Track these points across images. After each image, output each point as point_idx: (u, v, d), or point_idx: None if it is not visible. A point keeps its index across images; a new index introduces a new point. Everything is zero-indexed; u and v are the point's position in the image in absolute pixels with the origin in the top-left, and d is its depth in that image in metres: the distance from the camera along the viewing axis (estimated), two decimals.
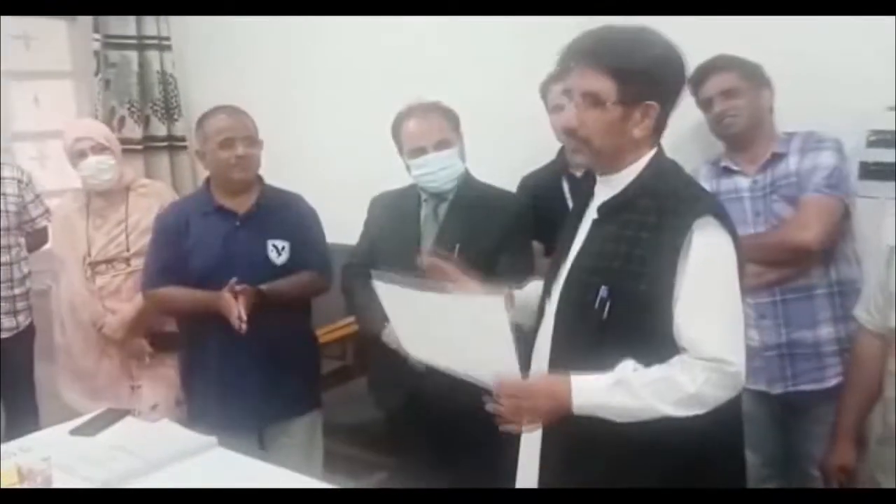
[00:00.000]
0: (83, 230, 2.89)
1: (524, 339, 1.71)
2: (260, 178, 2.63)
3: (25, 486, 1.81)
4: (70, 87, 3.93)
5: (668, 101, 1.59)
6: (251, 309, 2.42)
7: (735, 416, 1.63)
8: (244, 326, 2.40)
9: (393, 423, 2.59)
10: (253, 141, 2.56)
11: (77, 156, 2.84)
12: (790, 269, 2.27)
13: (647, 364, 1.52)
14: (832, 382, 2.27)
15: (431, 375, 2.28)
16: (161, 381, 2.91)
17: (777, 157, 2.33)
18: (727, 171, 2.40)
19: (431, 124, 2.40)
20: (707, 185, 2.38)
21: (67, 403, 2.93)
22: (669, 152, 1.69)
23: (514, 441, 1.84)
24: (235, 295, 2.43)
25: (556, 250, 1.75)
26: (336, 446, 2.86)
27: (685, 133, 2.50)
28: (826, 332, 2.28)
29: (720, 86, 2.34)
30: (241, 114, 2.57)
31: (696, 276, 1.49)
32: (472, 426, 2.31)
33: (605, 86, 1.55)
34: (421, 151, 2.37)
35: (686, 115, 1.63)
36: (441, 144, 2.37)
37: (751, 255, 2.23)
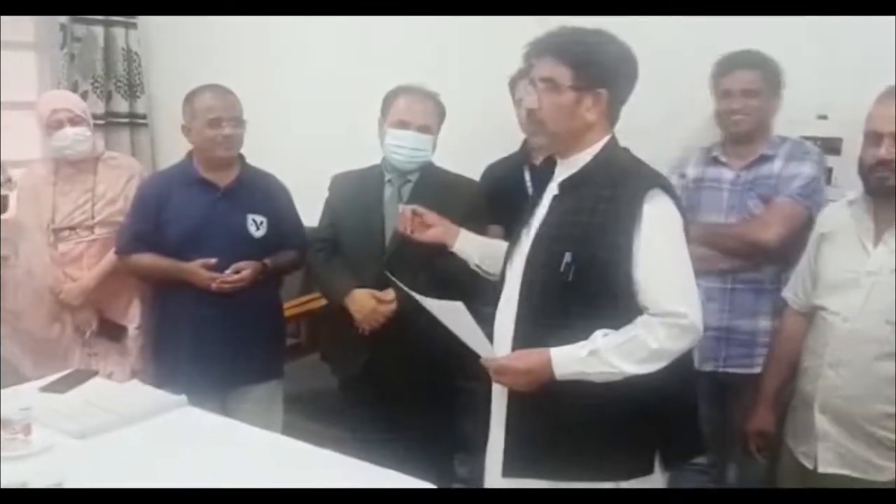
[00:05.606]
0: (49, 196, 2.90)
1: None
2: (241, 156, 2.72)
3: (6, 436, 1.86)
4: (33, 59, 3.92)
5: (617, 92, 1.77)
6: (253, 281, 2.58)
7: (686, 367, 1.78)
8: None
9: (347, 391, 2.68)
10: (239, 121, 2.64)
11: (54, 126, 2.85)
12: (744, 262, 2.39)
13: (616, 326, 1.68)
14: (758, 369, 2.33)
15: (383, 347, 2.43)
16: (115, 350, 2.97)
17: (764, 159, 2.42)
18: (715, 161, 2.49)
19: (423, 107, 2.51)
20: (694, 169, 2.52)
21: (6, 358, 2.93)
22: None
23: (465, 406, 1.99)
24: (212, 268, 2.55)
25: (515, 228, 1.91)
26: (289, 418, 2.92)
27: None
28: (763, 324, 2.40)
29: (743, 83, 2.37)
30: (229, 94, 2.65)
31: (649, 240, 1.67)
32: (423, 393, 2.47)
33: (561, 72, 1.74)
34: (404, 125, 2.46)
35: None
36: (424, 128, 2.49)
37: (712, 242, 2.35)
